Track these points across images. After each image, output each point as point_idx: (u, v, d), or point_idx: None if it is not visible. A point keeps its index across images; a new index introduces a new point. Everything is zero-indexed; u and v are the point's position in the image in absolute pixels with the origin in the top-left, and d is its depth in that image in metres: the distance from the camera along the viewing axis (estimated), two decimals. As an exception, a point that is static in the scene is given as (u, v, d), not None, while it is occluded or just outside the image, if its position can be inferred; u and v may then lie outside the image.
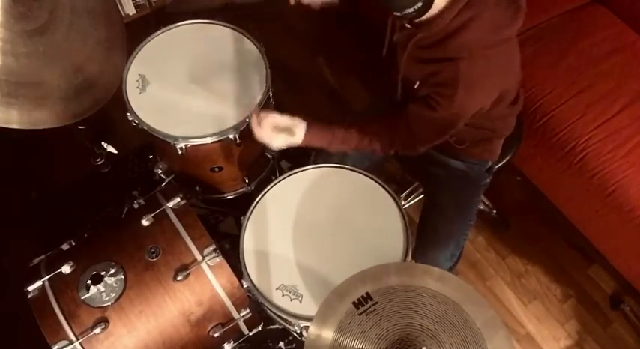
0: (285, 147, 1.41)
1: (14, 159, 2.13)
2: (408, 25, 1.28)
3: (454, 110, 1.26)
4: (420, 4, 1.13)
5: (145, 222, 1.45)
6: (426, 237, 1.57)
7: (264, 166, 1.93)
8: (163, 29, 1.74)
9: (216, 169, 1.72)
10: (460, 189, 1.58)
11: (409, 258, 1.38)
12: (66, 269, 1.39)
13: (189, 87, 1.65)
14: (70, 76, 1.42)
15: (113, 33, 1.54)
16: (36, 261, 1.47)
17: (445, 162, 1.60)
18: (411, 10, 1.14)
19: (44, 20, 1.32)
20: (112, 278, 1.37)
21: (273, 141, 1.38)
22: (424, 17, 1.18)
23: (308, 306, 1.33)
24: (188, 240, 1.42)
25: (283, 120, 1.37)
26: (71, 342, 1.31)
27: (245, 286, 1.39)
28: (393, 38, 1.37)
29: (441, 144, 1.52)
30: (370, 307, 1.08)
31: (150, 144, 1.90)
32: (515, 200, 2.17)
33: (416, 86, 1.33)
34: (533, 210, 2.14)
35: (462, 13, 1.17)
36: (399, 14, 1.16)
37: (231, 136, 1.57)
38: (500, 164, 1.66)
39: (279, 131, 1.37)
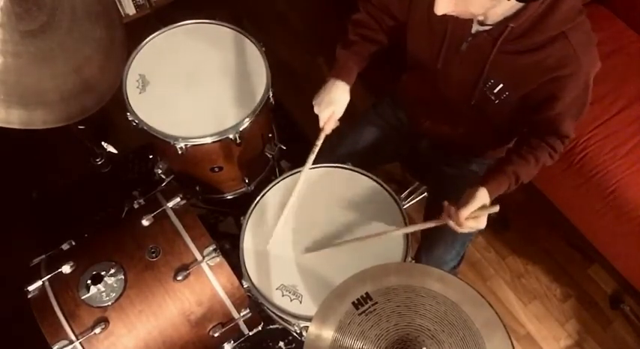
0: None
1: (14, 159, 2.13)
2: (488, 25, 1.21)
3: (581, 84, 1.22)
4: None
5: (145, 222, 1.45)
6: (432, 236, 1.56)
7: (264, 166, 1.93)
8: (163, 29, 1.74)
9: (216, 169, 1.72)
10: None
11: (409, 258, 1.38)
12: (66, 269, 1.39)
13: (189, 87, 1.65)
14: (70, 76, 1.41)
15: (113, 33, 1.53)
16: (36, 260, 1.47)
17: (460, 163, 1.60)
18: None
19: (44, 20, 1.32)
20: (112, 278, 1.37)
21: (482, 224, 1.23)
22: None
23: (308, 306, 1.33)
24: (188, 240, 1.42)
25: (472, 204, 1.21)
26: (71, 342, 1.31)
27: (245, 286, 1.39)
28: (461, 47, 1.29)
29: (463, 148, 1.53)
30: (370, 307, 1.08)
31: (150, 144, 1.90)
32: (515, 200, 2.17)
33: (497, 89, 1.29)
34: (533, 210, 2.14)
35: None
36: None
37: (231, 136, 1.57)
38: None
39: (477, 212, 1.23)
